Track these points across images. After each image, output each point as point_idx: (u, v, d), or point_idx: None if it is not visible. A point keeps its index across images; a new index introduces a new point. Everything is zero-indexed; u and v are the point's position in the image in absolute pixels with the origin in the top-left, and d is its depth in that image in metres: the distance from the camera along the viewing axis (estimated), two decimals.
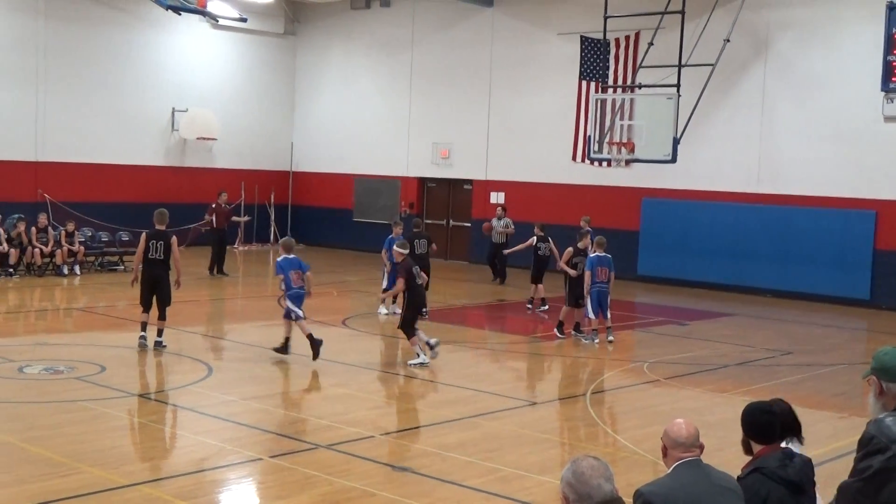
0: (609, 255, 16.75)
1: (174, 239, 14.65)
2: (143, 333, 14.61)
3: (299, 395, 12.67)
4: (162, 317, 14.67)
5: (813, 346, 17.79)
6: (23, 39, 27.06)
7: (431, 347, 14.59)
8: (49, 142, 27.71)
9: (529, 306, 20.62)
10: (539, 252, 20.63)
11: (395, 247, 15.33)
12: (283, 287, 14.55)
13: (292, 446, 10.03)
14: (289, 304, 14.44)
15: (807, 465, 5.54)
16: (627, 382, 14.01)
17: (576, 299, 16.97)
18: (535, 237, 20.81)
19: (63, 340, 15.97)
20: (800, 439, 6.00)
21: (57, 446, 9.67)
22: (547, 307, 20.34)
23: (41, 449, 9.55)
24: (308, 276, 14.64)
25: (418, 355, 14.34)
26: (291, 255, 14.74)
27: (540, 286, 20.45)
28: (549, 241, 20.84)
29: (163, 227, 14.78)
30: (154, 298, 14.62)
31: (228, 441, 10.35)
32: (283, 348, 14.47)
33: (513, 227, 24.71)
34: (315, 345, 14.20)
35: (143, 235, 14.82)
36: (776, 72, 24.04)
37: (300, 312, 14.37)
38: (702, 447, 5.11)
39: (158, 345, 14.62)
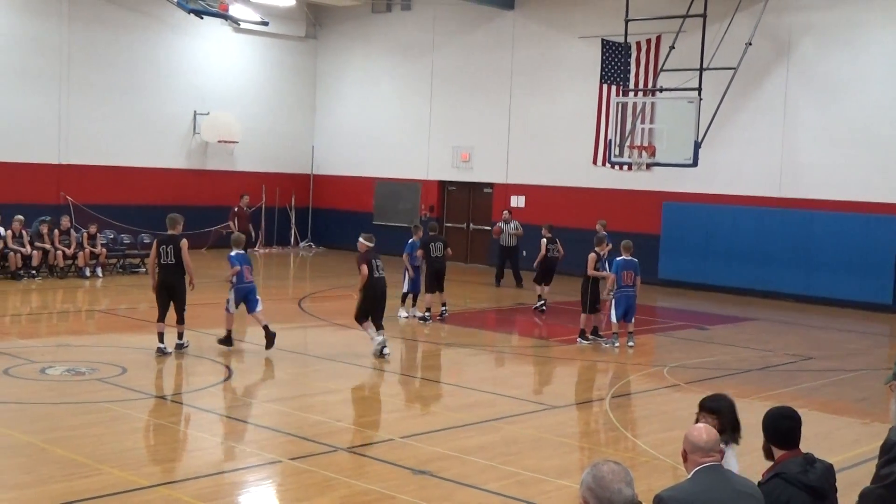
0: (635, 260, 16.70)
1: (184, 242, 14.53)
2: (159, 345, 14.53)
3: (319, 398, 12.68)
4: (180, 321, 14.66)
5: (834, 351, 17.69)
6: (47, 43, 27.24)
7: (380, 347, 14.90)
8: (72, 145, 27.89)
9: (540, 306, 20.86)
10: (549, 254, 20.80)
11: (360, 239, 15.78)
12: (235, 280, 15.09)
13: (311, 449, 10.04)
14: (231, 296, 15.05)
15: (828, 472, 5.51)
16: (648, 387, 13.97)
17: (592, 304, 16.92)
18: (544, 239, 20.90)
19: (85, 342, 16.06)
20: (735, 440, 6.08)
21: (78, 447, 9.72)
22: (544, 308, 20.70)
23: (63, 450, 9.60)
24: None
25: (373, 338, 14.92)
26: (243, 251, 15.38)
27: (546, 287, 20.60)
28: (556, 243, 21.02)
29: (174, 232, 14.72)
30: (171, 304, 14.62)
31: (248, 443, 10.39)
32: (227, 340, 15.06)
33: (521, 229, 24.75)
34: (269, 336, 14.90)
35: (154, 241, 14.95)
36: (798, 75, 23.93)
37: (234, 308, 15.06)
38: (722, 452, 5.09)
39: (180, 347, 14.65)
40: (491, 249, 29.24)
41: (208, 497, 8.58)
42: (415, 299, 19.36)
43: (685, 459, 5.08)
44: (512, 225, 24.96)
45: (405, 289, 19.28)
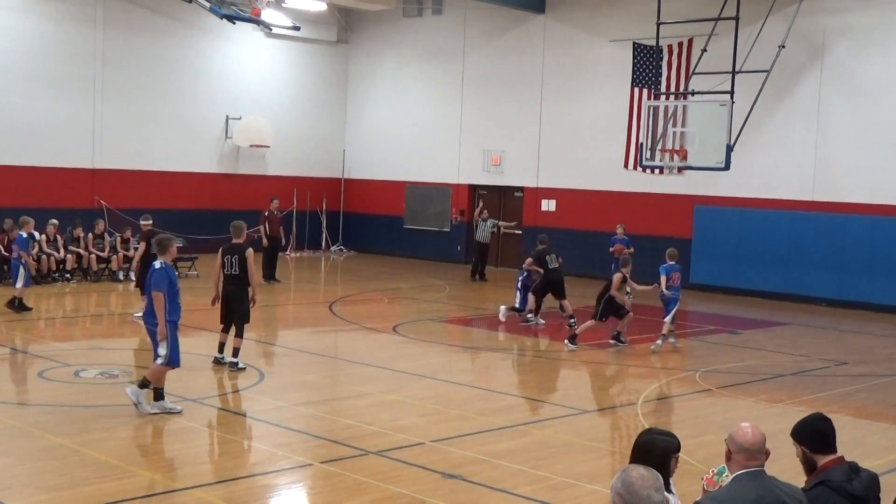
0: (679, 265, 17.49)
1: (249, 252, 13.81)
2: (217, 355, 14.06)
3: (349, 402, 12.71)
4: (238, 334, 13.87)
5: (869, 356, 17.52)
6: (81, 49, 27.52)
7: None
8: (106, 149, 28.13)
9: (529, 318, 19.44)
10: (549, 265, 18.89)
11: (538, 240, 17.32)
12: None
13: (343, 452, 10.06)
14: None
15: (873, 481, 5.37)
16: (679, 391, 13.89)
17: (605, 315, 16.84)
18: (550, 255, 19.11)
19: (118, 345, 16.18)
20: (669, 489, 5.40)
21: (111, 449, 9.79)
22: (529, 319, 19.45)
23: (96, 452, 9.68)
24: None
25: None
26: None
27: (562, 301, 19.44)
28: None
29: (239, 241, 14.04)
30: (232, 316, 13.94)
31: (279, 446, 10.42)
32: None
33: (497, 227, 26.78)
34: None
35: (220, 251, 14.12)
36: (832, 78, 23.73)
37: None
38: (768, 453, 4.99)
39: (233, 366, 13.83)
40: (522, 253, 29.20)
41: (240, 500, 8.62)
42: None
43: (728, 459, 4.99)
44: (489, 223, 26.45)
45: (517, 304, 19.51)
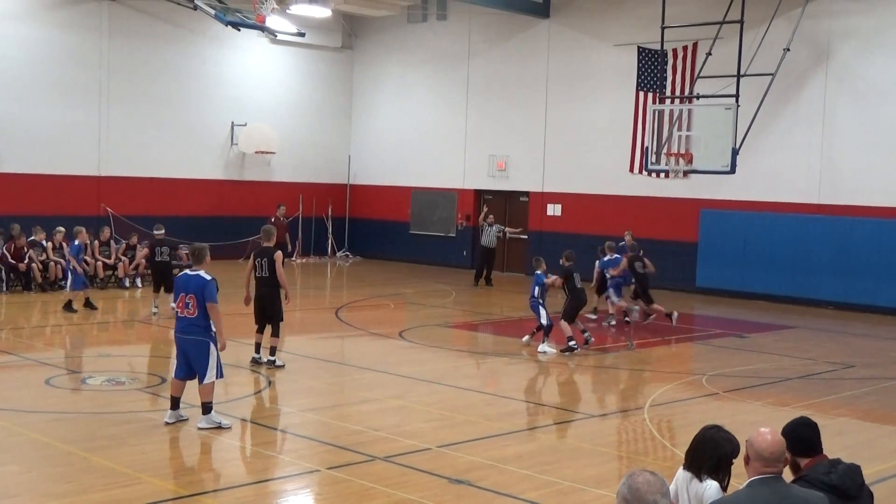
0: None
1: (278, 255, 14.45)
2: (255, 355, 14.63)
3: (356, 407, 12.71)
4: (274, 333, 14.65)
5: (876, 359, 17.48)
6: (87, 57, 27.60)
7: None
8: (112, 157, 28.21)
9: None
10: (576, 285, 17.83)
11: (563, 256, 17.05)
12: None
13: (350, 458, 10.06)
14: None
15: (851, 470, 5.45)
16: (686, 395, 13.87)
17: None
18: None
19: (125, 352, 16.20)
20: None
21: (118, 457, 9.80)
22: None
23: (103, 459, 9.69)
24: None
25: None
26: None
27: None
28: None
29: (269, 244, 14.71)
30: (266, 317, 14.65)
31: (286, 452, 10.43)
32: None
33: (504, 232, 26.95)
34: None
35: (252, 255, 14.91)
36: (837, 81, 23.70)
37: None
38: (786, 461, 4.98)
39: (272, 364, 14.49)
40: (528, 258, 29.19)
41: None
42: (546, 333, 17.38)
43: (747, 463, 5.01)
44: (495, 228, 26.28)
45: (543, 322, 17.15)
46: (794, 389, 14.46)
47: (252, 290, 14.70)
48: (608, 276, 19.95)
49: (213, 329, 10.92)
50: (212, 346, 10.89)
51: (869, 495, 5.53)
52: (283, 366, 14.53)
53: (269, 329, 14.69)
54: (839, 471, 5.38)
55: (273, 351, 14.58)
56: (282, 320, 14.77)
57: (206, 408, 10.97)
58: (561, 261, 17.29)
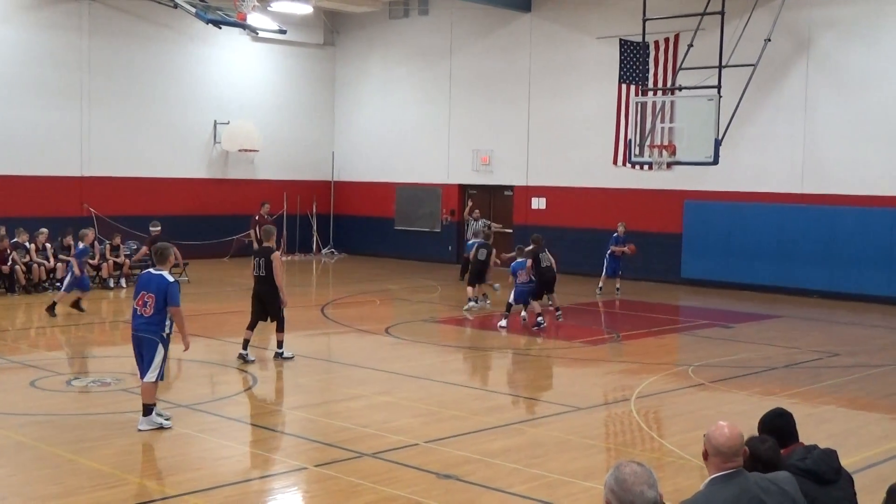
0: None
1: (275, 255, 14.69)
2: (241, 351, 14.73)
3: (343, 404, 12.69)
4: (279, 329, 14.93)
5: (861, 347, 17.56)
6: (67, 57, 27.47)
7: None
8: (94, 157, 28.09)
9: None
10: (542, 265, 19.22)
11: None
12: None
13: (337, 455, 10.04)
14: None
15: (827, 454, 5.48)
16: (672, 386, 13.90)
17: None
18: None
19: (110, 353, 16.13)
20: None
21: (105, 457, 9.76)
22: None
23: (89, 460, 9.65)
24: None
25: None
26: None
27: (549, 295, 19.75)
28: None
29: (269, 244, 14.96)
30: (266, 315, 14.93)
31: (273, 450, 10.41)
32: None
33: (491, 227, 25.97)
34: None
35: (253, 254, 15.17)
36: (819, 71, 23.79)
37: None
38: (745, 453, 4.93)
39: (279, 357, 14.92)
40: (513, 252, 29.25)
41: None
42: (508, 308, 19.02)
43: (706, 459, 4.94)
44: (480, 223, 25.94)
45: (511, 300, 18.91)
46: (780, 378, 14.52)
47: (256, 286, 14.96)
48: (518, 280, 18.76)
49: (168, 331, 10.88)
50: (160, 347, 10.83)
51: (848, 479, 5.56)
52: (293, 357, 14.91)
53: (274, 325, 14.99)
54: (814, 456, 5.41)
55: (280, 344, 14.95)
56: (281, 316, 14.92)
57: (147, 409, 10.87)
58: (529, 246, 19.20)
